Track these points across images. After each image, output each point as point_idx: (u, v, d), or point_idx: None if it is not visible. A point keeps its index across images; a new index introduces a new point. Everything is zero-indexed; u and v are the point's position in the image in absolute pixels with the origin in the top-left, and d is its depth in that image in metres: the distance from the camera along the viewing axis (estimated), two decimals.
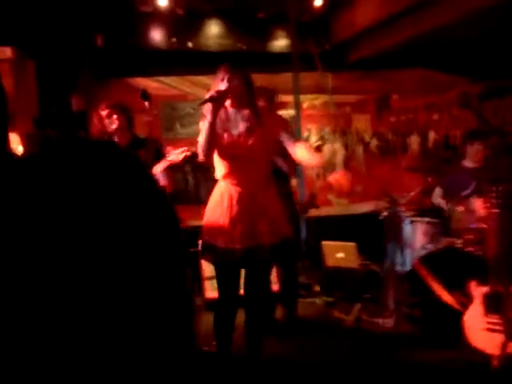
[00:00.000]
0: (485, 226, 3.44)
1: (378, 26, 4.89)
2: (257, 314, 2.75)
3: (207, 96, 2.44)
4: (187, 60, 5.21)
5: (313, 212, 5.11)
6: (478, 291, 3.01)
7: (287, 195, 3.53)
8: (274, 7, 5.20)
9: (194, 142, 5.58)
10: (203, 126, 2.51)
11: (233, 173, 2.57)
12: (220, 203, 2.59)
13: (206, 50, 5.20)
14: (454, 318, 3.11)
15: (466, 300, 3.14)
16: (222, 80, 2.50)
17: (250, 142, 2.55)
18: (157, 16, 4.95)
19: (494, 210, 3.06)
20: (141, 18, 4.96)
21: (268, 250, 2.54)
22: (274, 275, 3.86)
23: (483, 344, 2.90)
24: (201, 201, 5.30)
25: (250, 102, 2.58)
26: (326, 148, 5.93)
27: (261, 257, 2.55)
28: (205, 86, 5.52)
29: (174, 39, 5.08)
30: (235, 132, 2.57)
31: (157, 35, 5.02)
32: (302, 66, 5.24)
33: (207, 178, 5.36)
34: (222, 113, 2.54)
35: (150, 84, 5.28)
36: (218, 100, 2.44)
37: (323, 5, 5.20)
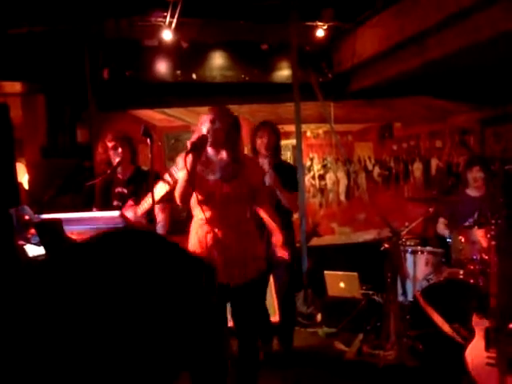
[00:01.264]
0: (487, 257, 3.44)
1: (380, 56, 4.97)
2: (247, 348, 2.75)
3: (189, 145, 2.48)
4: (191, 91, 5.30)
5: (315, 241, 5.14)
6: (479, 325, 2.99)
7: (288, 226, 3.56)
8: (276, 38, 5.30)
9: None
10: (182, 174, 2.53)
11: (207, 216, 2.59)
12: (198, 244, 2.63)
13: (210, 82, 5.30)
14: (456, 351, 3.10)
15: (468, 333, 3.12)
16: (204, 123, 2.55)
17: (225, 189, 2.56)
18: (162, 49, 5.06)
19: (492, 242, 3.06)
20: (146, 52, 5.07)
21: (243, 287, 2.61)
22: (274, 307, 3.87)
23: (485, 379, 2.88)
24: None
25: (231, 147, 2.59)
26: (329, 176, 5.97)
27: (240, 294, 2.63)
28: None
29: (178, 71, 5.18)
30: (212, 178, 2.59)
31: (162, 68, 5.13)
32: (304, 96, 5.32)
33: None
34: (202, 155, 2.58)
35: (155, 115, 5.39)
36: (199, 148, 2.49)
37: (325, 35, 5.30)
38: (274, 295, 3.95)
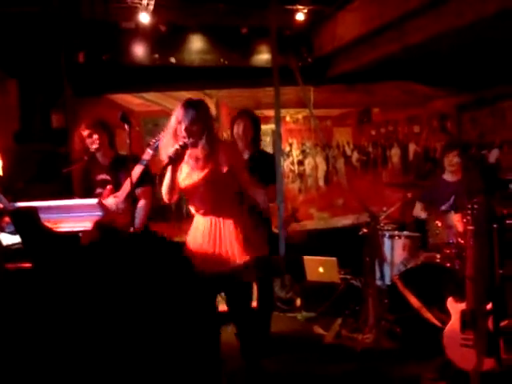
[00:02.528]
0: (463, 241, 3.50)
1: (361, 41, 4.95)
2: (246, 333, 2.78)
3: (166, 160, 2.53)
4: (170, 75, 5.22)
5: (294, 226, 5.16)
6: (455, 308, 3.05)
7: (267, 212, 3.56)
8: (256, 22, 5.24)
9: None
10: (166, 176, 2.61)
11: (196, 205, 2.70)
12: (194, 235, 2.74)
13: (188, 66, 5.22)
14: (433, 333, 3.16)
15: (445, 316, 3.18)
16: (179, 122, 2.57)
17: (203, 178, 2.62)
18: (139, 32, 4.95)
19: (470, 227, 3.11)
20: (123, 35, 4.96)
21: (241, 271, 2.62)
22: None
23: (461, 360, 2.95)
24: (182, 217, 5.32)
25: (204, 135, 2.59)
26: (308, 162, 5.99)
27: (235, 279, 2.64)
28: None
29: (156, 55, 5.09)
30: (188, 171, 2.67)
31: (139, 51, 5.03)
32: (284, 81, 5.28)
33: None
34: None
35: (132, 100, 5.30)
36: (176, 160, 2.54)
37: (305, 19, 5.25)
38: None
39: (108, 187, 3.20)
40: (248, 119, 3.55)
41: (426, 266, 3.69)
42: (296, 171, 5.95)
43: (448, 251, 3.65)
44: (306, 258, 4.67)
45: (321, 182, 6.00)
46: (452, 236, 3.69)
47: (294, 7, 5.11)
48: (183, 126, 2.54)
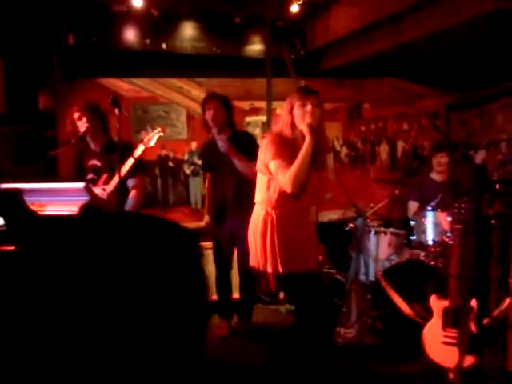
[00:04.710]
0: (448, 240, 3.53)
1: (353, 36, 4.94)
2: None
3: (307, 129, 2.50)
4: (160, 62, 5.16)
5: None
6: (437, 305, 3.08)
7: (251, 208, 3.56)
8: (250, 12, 5.19)
9: (164, 145, 5.59)
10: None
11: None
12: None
13: (180, 53, 5.16)
14: (415, 330, 3.18)
15: (426, 313, 3.21)
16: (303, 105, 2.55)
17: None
18: (131, 16, 4.88)
19: (456, 225, 3.13)
20: (114, 18, 4.88)
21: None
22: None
23: (441, 357, 2.97)
24: (169, 204, 5.29)
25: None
26: None
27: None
28: (178, 88, 5.49)
29: (147, 40, 5.02)
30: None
31: (130, 35, 4.96)
32: (276, 72, 5.26)
33: (176, 182, 5.34)
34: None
35: (122, 85, 5.21)
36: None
37: (300, 11, 5.22)
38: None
39: (104, 175, 3.17)
40: (218, 102, 3.50)
41: (410, 264, 3.71)
42: None
43: (432, 249, 3.67)
44: None
45: None
46: (437, 235, 3.71)
47: None
48: (309, 107, 2.50)
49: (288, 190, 2.45)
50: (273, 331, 3.88)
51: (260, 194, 2.63)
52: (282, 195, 2.52)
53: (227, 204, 3.54)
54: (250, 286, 3.69)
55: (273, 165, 2.49)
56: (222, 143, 3.33)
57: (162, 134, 3.26)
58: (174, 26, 5.12)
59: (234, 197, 3.51)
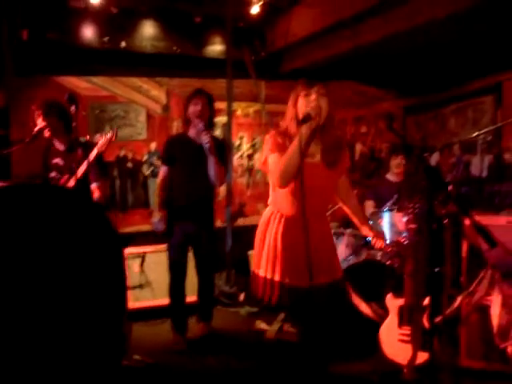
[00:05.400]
0: (403, 240, 3.62)
1: (313, 38, 4.99)
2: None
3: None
4: (119, 60, 5.06)
5: (241, 221, 5.16)
6: (393, 304, 3.15)
7: (211, 207, 3.55)
8: (210, 12, 5.18)
9: (123, 146, 5.49)
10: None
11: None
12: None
13: (139, 51, 5.09)
14: (372, 329, 3.24)
15: (383, 312, 3.28)
16: (307, 94, 2.35)
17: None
18: (89, 13, 4.77)
19: (411, 225, 3.22)
20: (71, 14, 4.75)
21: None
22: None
23: (397, 355, 3.05)
24: (127, 207, 5.20)
25: None
26: (257, 157, 5.99)
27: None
28: (137, 88, 5.41)
29: (106, 38, 4.92)
30: None
31: (88, 33, 4.84)
32: (237, 73, 5.26)
33: (135, 184, 5.25)
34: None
35: (79, 83, 5.09)
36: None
37: (260, 13, 5.24)
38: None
39: (66, 175, 3.12)
40: (205, 98, 3.42)
41: (368, 264, 3.78)
42: (245, 165, 5.94)
43: (389, 249, 3.75)
44: (251, 252, 4.67)
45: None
46: (393, 235, 3.80)
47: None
48: (313, 96, 2.31)
49: (276, 183, 2.28)
50: (232, 334, 3.88)
51: (270, 195, 2.45)
52: (285, 195, 2.31)
53: (186, 203, 3.45)
54: (209, 289, 3.64)
55: (270, 159, 2.32)
56: (207, 139, 3.25)
57: (113, 139, 3.17)
58: (133, 24, 5.04)
59: (196, 197, 3.44)
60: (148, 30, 5.11)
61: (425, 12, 3.91)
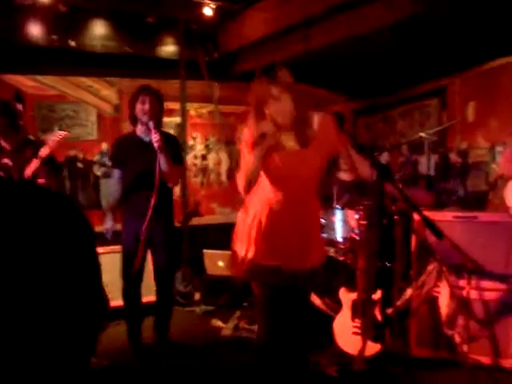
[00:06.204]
0: (355, 236, 3.71)
1: (266, 40, 5.04)
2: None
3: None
4: (69, 59, 4.94)
5: (196, 220, 5.14)
6: (346, 297, 3.23)
7: (170, 205, 3.49)
8: (163, 12, 5.14)
9: (73, 146, 5.36)
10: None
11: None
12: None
13: (89, 51, 4.98)
14: (325, 322, 3.31)
15: (337, 306, 3.35)
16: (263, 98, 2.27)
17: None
18: (36, 10, 4.64)
19: (362, 222, 3.31)
20: (18, 11, 4.61)
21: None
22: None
23: (349, 347, 3.12)
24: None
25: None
26: (211, 157, 5.99)
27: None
28: (86, 87, 5.30)
29: (54, 36, 4.79)
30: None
31: (35, 30, 4.70)
32: (190, 74, 5.25)
33: (86, 184, 5.14)
34: None
35: (26, 82, 4.92)
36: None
37: (213, 14, 5.25)
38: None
39: (15, 176, 3.01)
40: (153, 96, 3.32)
41: None
42: (199, 165, 5.92)
43: (342, 246, 3.84)
44: (206, 251, 4.66)
45: (223, 178, 6.03)
46: (345, 232, 3.89)
47: (202, 1, 5.10)
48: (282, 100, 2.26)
49: (241, 192, 2.30)
50: (188, 334, 3.86)
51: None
52: (267, 185, 2.30)
53: (139, 204, 3.35)
54: (168, 289, 3.55)
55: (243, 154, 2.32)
56: (157, 137, 3.13)
57: (64, 134, 3.08)
58: (83, 22, 4.93)
59: (148, 197, 3.28)
60: (98, 29, 5.01)
61: (373, 18, 4.04)
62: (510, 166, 3.53)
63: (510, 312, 3.11)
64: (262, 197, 2.32)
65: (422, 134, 4.35)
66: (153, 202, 3.25)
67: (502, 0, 3.55)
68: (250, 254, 2.30)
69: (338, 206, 4.02)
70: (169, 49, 5.38)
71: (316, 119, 2.36)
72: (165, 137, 3.29)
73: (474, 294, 3.16)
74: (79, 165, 5.20)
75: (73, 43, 4.91)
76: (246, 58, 5.60)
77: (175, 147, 3.44)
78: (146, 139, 3.30)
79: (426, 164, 5.06)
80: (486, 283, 3.15)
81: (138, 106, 3.28)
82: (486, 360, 3.10)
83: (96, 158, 5.29)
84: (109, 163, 5.12)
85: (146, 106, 3.25)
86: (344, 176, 4.41)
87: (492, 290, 3.14)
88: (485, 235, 3.17)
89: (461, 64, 4.83)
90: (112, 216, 3.42)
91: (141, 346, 3.41)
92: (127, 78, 5.31)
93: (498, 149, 4.64)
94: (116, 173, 3.44)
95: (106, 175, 5.12)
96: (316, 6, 4.22)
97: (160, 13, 5.14)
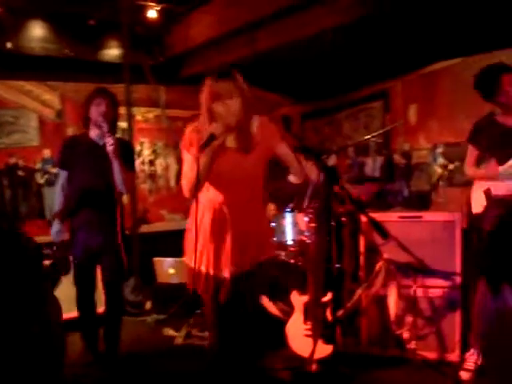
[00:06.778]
0: (305, 238, 3.74)
1: (212, 43, 5.02)
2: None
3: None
4: (6, 63, 4.73)
5: (145, 228, 5.04)
6: (298, 300, 3.25)
7: (116, 213, 3.39)
8: (106, 15, 5.02)
9: (14, 153, 5.15)
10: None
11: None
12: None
13: (28, 53, 4.78)
14: (278, 326, 3.32)
15: (289, 309, 3.36)
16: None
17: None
18: None
19: (311, 225, 3.35)
20: None
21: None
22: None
23: (302, 349, 3.14)
24: (20, 218, 4.86)
25: None
26: (159, 162, 5.90)
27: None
28: (26, 92, 5.10)
29: None
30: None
31: None
32: (135, 78, 5.15)
33: (28, 193, 4.93)
34: None
35: None
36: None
37: (158, 17, 5.17)
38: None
39: None
40: (109, 99, 3.20)
41: (273, 263, 3.85)
42: (147, 171, 5.82)
43: (292, 248, 3.86)
44: (155, 259, 4.58)
45: (172, 183, 5.94)
46: (296, 234, 3.91)
47: (146, 3, 5.02)
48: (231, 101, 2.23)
49: (185, 194, 2.27)
50: (140, 343, 3.78)
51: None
52: (210, 188, 2.31)
53: (87, 211, 3.20)
54: (117, 299, 3.43)
55: (185, 156, 2.30)
56: (112, 141, 3.02)
57: None
58: (20, 24, 4.72)
59: (98, 204, 3.21)
60: (37, 31, 4.82)
61: (318, 21, 4.09)
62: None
63: (454, 308, 3.23)
64: (207, 199, 2.32)
65: (367, 137, 4.45)
66: (101, 209, 3.17)
67: (442, 4, 3.66)
68: (197, 265, 2.31)
69: (287, 209, 4.04)
70: (113, 52, 5.25)
71: (257, 123, 2.37)
72: (119, 142, 3.17)
73: (420, 292, 3.26)
74: (20, 173, 4.97)
75: (9, 45, 4.70)
76: (192, 61, 5.55)
77: (129, 153, 3.34)
78: (100, 142, 3.18)
79: (372, 166, 5.18)
80: (431, 281, 3.25)
81: (94, 108, 3.17)
82: (433, 355, 3.21)
83: (38, 165, 5.08)
84: (52, 170, 4.95)
85: (103, 108, 3.14)
86: (293, 179, 4.44)
87: (437, 288, 3.25)
88: (429, 234, 3.28)
89: (403, 67, 4.97)
90: (59, 221, 3.28)
91: (99, 356, 3.32)
92: (69, 82, 5.14)
93: (439, 150, 4.81)
94: (62, 174, 3.30)
95: (50, 183, 4.93)
96: (262, 9, 4.23)
97: (102, 15, 5.01)
